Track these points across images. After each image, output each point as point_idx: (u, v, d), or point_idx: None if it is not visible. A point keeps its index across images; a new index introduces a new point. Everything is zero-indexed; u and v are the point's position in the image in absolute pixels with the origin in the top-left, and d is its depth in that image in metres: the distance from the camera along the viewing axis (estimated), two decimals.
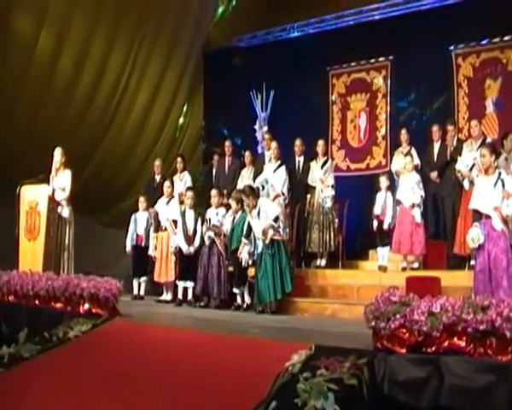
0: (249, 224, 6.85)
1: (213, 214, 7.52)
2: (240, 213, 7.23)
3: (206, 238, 7.32)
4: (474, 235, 5.37)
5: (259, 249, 6.72)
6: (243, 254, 6.88)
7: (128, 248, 8.34)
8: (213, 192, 7.73)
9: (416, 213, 7.47)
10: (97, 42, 9.89)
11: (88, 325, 4.97)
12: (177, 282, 7.66)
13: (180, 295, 7.53)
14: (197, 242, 7.52)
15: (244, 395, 3.30)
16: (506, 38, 8.97)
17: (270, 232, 6.60)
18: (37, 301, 5.96)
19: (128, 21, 10.21)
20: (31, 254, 7.38)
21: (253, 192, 7.00)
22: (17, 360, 4.46)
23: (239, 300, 7.13)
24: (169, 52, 11.23)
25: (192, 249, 7.49)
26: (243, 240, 6.89)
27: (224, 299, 7.15)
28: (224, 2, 12.25)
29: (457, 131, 8.68)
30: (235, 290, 7.14)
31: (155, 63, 11.11)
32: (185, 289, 7.56)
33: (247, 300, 7.03)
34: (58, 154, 7.78)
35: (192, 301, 7.45)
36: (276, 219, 6.73)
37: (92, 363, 4.08)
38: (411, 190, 7.58)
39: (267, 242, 6.60)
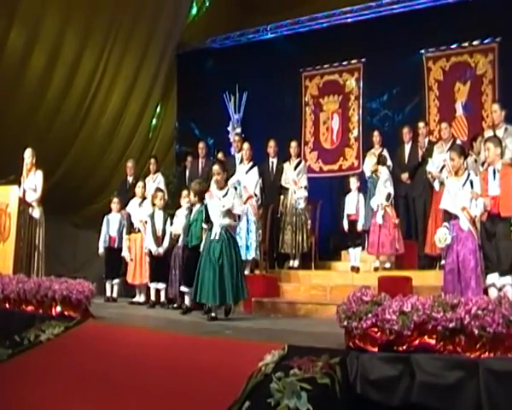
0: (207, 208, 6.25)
1: (183, 215, 7.34)
2: (198, 206, 6.77)
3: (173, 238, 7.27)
4: (442, 235, 5.46)
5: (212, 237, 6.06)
6: None
7: (101, 250, 8.26)
8: (184, 193, 7.59)
9: (378, 216, 7.56)
10: (69, 41, 9.78)
11: (60, 327, 4.92)
12: (149, 284, 7.61)
13: (153, 297, 7.49)
14: (166, 243, 7.45)
15: (218, 396, 3.31)
16: (475, 43, 9.18)
17: (226, 220, 6.07)
18: (7, 305, 5.87)
19: (101, 21, 10.12)
20: (1, 256, 7.25)
21: (227, 171, 6.52)
22: None
23: (187, 300, 6.75)
24: (142, 53, 11.17)
25: (161, 250, 7.43)
26: (203, 226, 6.38)
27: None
28: (197, 2, 12.23)
29: (428, 132, 8.81)
30: (185, 289, 6.76)
31: (128, 64, 11.04)
32: (158, 291, 7.52)
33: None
34: (28, 155, 7.68)
35: (165, 302, 7.41)
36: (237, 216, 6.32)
37: (65, 365, 4.05)
38: (379, 190, 7.67)
39: (220, 225, 6.01)
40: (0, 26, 8.86)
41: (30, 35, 9.22)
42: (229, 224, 6.10)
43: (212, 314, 5.90)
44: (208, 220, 6.18)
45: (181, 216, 7.23)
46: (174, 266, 7.19)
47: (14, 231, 7.22)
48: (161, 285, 7.44)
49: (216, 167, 6.24)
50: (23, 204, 7.35)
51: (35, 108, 9.79)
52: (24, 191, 7.48)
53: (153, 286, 7.54)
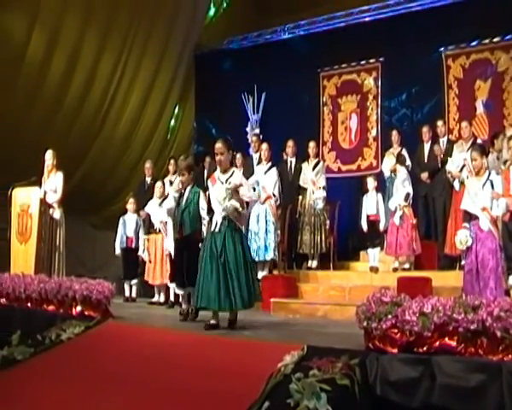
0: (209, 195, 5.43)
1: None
2: (189, 187, 5.92)
3: None
4: (462, 237, 5.41)
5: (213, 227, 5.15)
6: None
7: (117, 250, 8.32)
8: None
9: (396, 217, 7.51)
10: (88, 44, 9.87)
11: (80, 327, 4.97)
12: (168, 284, 7.64)
13: (172, 298, 7.52)
14: None
15: (237, 396, 3.31)
16: (496, 40, 9.03)
17: (232, 202, 5.10)
18: (29, 304, 5.95)
19: (119, 23, 10.19)
20: (22, 256, 7.36)
21: (232, 150, 5.40)
22: (10, 363, 4.46)
23: (183, 305, 5.97)
24: (160, 54, 11.22)
25: None
26: (202, 215, 5.69)
27: None
28: (215, 4, 12.27)
29: (448, 131, 8.74)
30: (179, 291, 6.08)
31: (147, 65, 11.09)
32: None
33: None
34: (49, 156, 7.76)
35: None
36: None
37: (85, 365, 4.08)
38: (397, 190, 7.62)
39: (223, 210, 5.09)
40: (21, 31, 8.98)
41: (50, 39, 9.32)
42: (234, 208, 5.06)
43: (212, 322, 4.99)
44: (210, 210, 5.35)
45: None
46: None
47: (35, 232, 7.30)
48: None
49: (218, 145, 5.18)
50: (44, 205, 7.43)
51: (55, 111, 9.89)
52: (45, 193, 7.55)
53: (172, 286, 7.56)
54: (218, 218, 5.11)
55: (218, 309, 4.96)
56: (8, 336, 5.13)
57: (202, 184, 9.11)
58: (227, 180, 5.14)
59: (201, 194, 5.85)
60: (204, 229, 5.68)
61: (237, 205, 5.09)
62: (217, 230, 5.06)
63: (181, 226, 5.78)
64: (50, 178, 7.69)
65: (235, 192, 5.14)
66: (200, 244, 5.48)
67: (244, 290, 4.93)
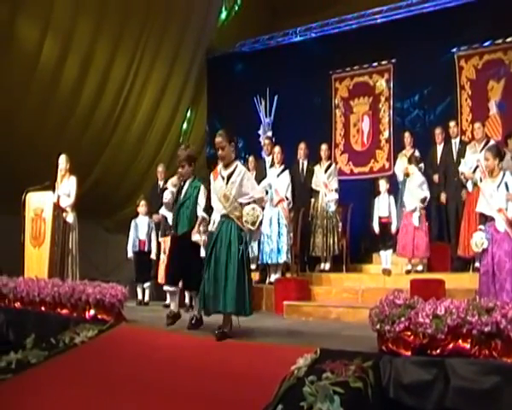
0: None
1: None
2: (190, 180, 5.44)
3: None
4: (478, 240, 5.38)
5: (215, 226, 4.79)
6: (195, 236, 5.11)
7: (129, 254, 8.32)
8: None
9: (415, 218, 7.48)
10: (101, 49, 9.94)
11: (94, 330, 4.99)
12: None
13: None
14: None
15: (250, 399, 3.32)
16: (509, 40, 8.95)
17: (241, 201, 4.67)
18: (43, 308, 5.98)
19: (132, 27, 10.25)
20: (36, 260, 7.40)
21: (234, 142, 4.95)
22: (25, 366, 4.48)
23: (172, 305, 5.53)
24: (172, 58, 11.27)
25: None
26: (199, 215, 5.15)
27: None
28: (226, 7, 12.30)
29: (460, 133, 8.69)
30: (168, 288, 5.47)
31: (159, 69, 11.15)
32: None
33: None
34: (63, 161, 7.80)
35: None
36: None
37: (98, 368, 4.10)
38: (413, 193, 7.59)
39: (222, 212, 4.71)
40: (34, 37, 9.06)
41: (63, 44, 9.40)
42: (256, 216, 4.56)
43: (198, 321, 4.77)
44: (210, 208, 4.91)
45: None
46: None
47: (49, 236, 7.34)
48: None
49: (218, 139, 4.78)
50: (57, 210, 7.48)
51: (68, 116, 9.98)
52: (58, 197, 7.59)
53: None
54: (216, 217, 4.78)
55: (224, 311, 4.58)
56: (22, 339, 5.17)
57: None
58: (229, 176, 4.72)
59: (202, 189, 5.28)
60: (196, 228, 5.11)
61: (258, 212, 4.56)
62: (214, 229, 4.73)
63: (177, 224, 5.29)
64: (64, 183, 7.73)
65: (241, 193, 4.69)
66: (193, 233, 5.08)
67: (240, 296, 4.51)
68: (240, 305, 4.52)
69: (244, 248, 4.60)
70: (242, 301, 4.53)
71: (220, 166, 4.87)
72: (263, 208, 4.72)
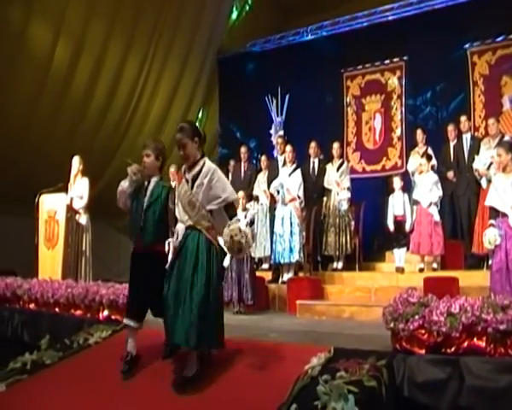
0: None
1: (241, 217, 6.72)
2: (156, 178, 4.34)
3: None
4: (491, 236, 5.30)
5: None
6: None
7: None
8: (241, 194, 7.03)
9: (435, 212, 7.44)
10: (113, 50, 10.00)
11: (108, 331, 5.01)
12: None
13: None
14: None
15: (264, 399, 3.32)
16: None
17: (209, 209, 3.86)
18: (57, 309, 6.01)
19: (143, 28, 10.30)
20: (50, 262, 7.46)
21: (200, 136, 4.13)
22: (39, 367, 4.52)
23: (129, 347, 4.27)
24: (184, 58, 11.31)
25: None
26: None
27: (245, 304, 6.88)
28: (237, 7, 12.31)
29: (474, 129, 8.62)
30: (130, 323, 4.22)
31: (170, 70, 11.19)
32: None
33: None
34: (76, 162, 7.85)
35: None
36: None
37: (113, 369, 4.11)
38: (429, 190, 7.54)
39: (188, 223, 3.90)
40: (47, 39, 9.13)
41: (76, 47, 9.48)
42: (233, 235, 3.66)
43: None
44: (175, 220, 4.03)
45: (242, 220, 5.94)
46: (230, 269, 6.88)
47: (62, 238, 7.40)
48: None
49: (178, 136, 3.93)
50: (70, 211, 7.52)
51: (81, 118, 10.05)
52: (71, 199, 7.64)
53: None
54: (180, 228, 3.94)
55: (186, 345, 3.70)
56: (36, 340, 5.20)
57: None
58: (194, 178, 3.89)
59: (172, 191, 4.26)
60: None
61: (239, 237, 3.65)
62: (177, 244, 3.90)
63: (140, 232, 4.20)
64: (76, 184, 7.78)
65: (210, 197, 3.87)
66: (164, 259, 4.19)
67: (205, 325, 3.63)
68: (204, 336, 3.64)
69: (214, 265, 3.77)
70: (208, 332, 3.65)
71: (184, 167, 4.03)
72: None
